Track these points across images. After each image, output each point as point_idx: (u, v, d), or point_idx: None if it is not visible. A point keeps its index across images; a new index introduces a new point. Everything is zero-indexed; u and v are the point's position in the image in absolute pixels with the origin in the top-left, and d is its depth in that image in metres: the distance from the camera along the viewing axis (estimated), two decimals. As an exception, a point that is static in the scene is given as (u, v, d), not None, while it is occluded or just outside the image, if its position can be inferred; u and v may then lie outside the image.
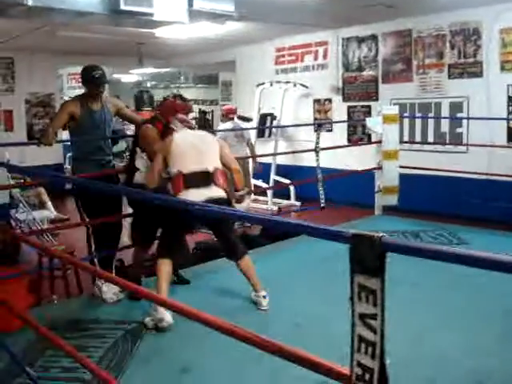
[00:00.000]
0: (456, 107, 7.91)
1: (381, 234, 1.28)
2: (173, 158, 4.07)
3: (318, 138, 6.70)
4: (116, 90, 15.27)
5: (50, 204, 7.72)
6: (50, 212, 7.62)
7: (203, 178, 4.05)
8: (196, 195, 3.83)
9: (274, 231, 6.33)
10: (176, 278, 4.67)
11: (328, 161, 7.13)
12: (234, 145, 7.64)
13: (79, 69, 4.96)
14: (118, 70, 13.95)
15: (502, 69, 7.40)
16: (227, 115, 8.12)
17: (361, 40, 8.96)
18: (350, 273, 1.29)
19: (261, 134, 9.52)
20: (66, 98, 9.59)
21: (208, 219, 4.07)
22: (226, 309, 3.96)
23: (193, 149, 4.13)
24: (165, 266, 3.96)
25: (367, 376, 1.37)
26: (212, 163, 4.14)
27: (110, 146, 4.93)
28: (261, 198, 9.25)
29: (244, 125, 8.48)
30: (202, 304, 3.76)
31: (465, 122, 7.84)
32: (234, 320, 1.80)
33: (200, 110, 16.63)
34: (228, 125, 7.92)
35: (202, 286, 4.71)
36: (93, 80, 4.59)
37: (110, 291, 4.37)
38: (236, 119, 8.22)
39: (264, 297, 4.17)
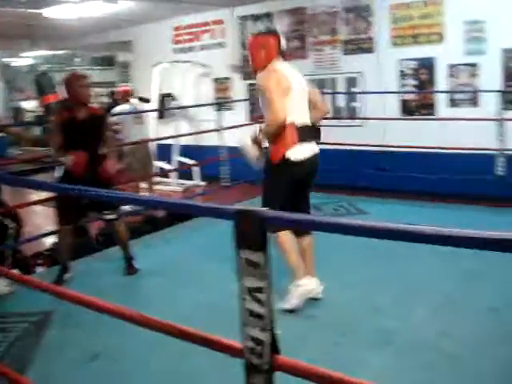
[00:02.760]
0: (351, 82, 8.15)
1: (263, 210, 1.31)
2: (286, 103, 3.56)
3: (220, 117, 6.73)
4: (8, 74, 14.56)
5: None
6: None
7: (311, 130, 3.76)
8: (308, 149, 3.67)
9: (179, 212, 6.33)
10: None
11: (230, 140, 7.14)
12: (133, 127, 7.53)
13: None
14: (8, 53, 13.28)
15: (394, 44, 7.68)
16: (123, 97, 7.94)
17: (256, 18, 8.99)
18: (236, 248, 1.32)
19: (161, 114, 9.40)
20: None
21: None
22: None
23: (301, 93, 3.72)
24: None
25: (259, 348, 1.41)
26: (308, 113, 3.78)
27: None
28: (165, 179, 9.16)
29: (143, 106, 8.33)
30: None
31: (360, 96, 8.09)
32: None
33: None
34: (125, 107, 7.73)
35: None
36: None
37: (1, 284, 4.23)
38: (133, 100, 8.06)
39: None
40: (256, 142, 3.64)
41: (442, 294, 3.83)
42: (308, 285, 3.67)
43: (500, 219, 5.44)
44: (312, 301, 3.75)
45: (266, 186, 3.69)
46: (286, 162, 3.54)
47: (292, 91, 3.56)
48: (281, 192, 3.62)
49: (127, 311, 1.68)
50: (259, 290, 1.33)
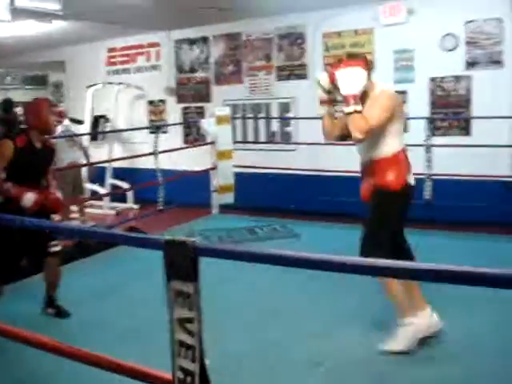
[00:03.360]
0: (284, 107, 8.29)
1: (193, 239, 1.31)
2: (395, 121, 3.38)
3: (156, 140, 6.71)
4: None
5: None
6: None
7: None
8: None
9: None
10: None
11: (165, 162, 7.12)
12: (66, 149, 7.37)
13: None
14: None
15: (325, 71, 7.85)
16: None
17: (192, 42, 9.04)
18: (166, 279, 1.31)
19: (94, 136, 9.26)
20: None
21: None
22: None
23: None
24: None
25: (189, 379, 1.41)
26: None
27: None
28: (97, 202, 8.98)
29: (76, 127, 8.18)
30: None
31: (293, 121, 8.23)
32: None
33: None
34: (57, 128, 7.56)
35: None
36: None
37: None
38: (67, 122, 7.90)
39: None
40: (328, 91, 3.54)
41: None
42: (421, 323, 3.38)
43: (425, 241, 5.65)
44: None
45: (379, 214, 3.44)
46: (405, 187, 3.42)
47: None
48: (396, 218, 3.49)
49: (50, 341, 1.64)
50: (189, 320, 1.33)
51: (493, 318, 3.74)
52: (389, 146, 3.37)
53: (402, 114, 3.53)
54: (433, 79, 7.15)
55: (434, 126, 6.93)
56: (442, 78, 7.11)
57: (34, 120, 3.97)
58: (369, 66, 3.42)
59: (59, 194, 4.13)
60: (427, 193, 6.50)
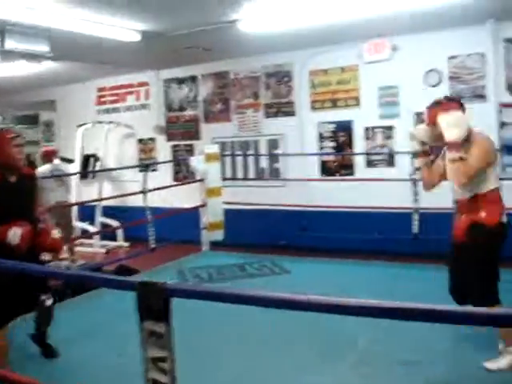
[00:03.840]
0: (273, 144, 8.37)
1: (164, 282, 1.34)
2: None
3: (146, 179, 6.74)
4: None
5: None
6: None
7: None
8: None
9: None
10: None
11: (155, 200, 7.15)
12: (55, 188, 7.38)
13: None
14: None
15: (313, 108, 7.99)
16: (46, 157, 7.80)
17: (181, 81, 9.16)
18: (139, 319, 1.33)
19: (84, 175, 9.30)
20: None
21: None
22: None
23: None
24: None
25: (164, 418, 1.41)
26: None
27: None
28: (87, 241, 8.96)
29: (65, 166, 8.21)
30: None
31: (282, 157, 8.30)
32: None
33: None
34: (47, 167, 7.59)
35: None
36: None
37: None
38: (57, 161, 7.94)
39: None
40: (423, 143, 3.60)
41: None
42: None
43: (412, 274, 5.72)
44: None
45: (483, 253, 3.41)
46: (502, 225, 3.44)
47: None
48: (495, 258, 3.46)
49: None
50: (163, 359, 1.34)
51: None
52: (489, 184, 3.41)
53: (497, 156, 3.61)
54: (418, 114, 7.25)
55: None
56: (427, 112, 7.21)
57: None
58: (465, 109, 3.48)
59: (54, 230, 3.87)
60: (415, 227, 6.54)
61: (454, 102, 3.49)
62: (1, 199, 3.56)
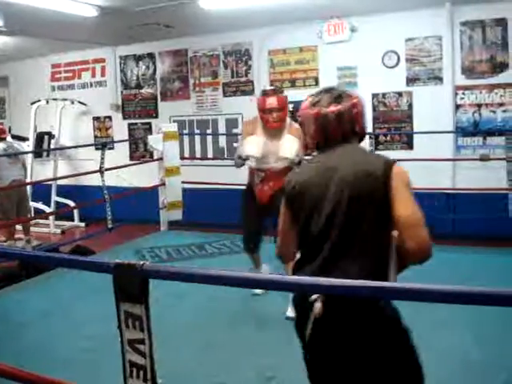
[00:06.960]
0: (232, 123, 8.34)
1: (142, 262, 1.33)
2: None
3: (103, 157, 6.60)
4: None
5: None
6: None
7: None
8: None
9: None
10: None
11: (112, 179, 7.05)
12: (8, 167, 7.21)
13: None
14: None
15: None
16: (-2, 135, 7.58)
17: (138, 58, 9.01)
18: (116, 301, 1.32)
19: (39, 154, 9.09)
20: None
21: None
22: None
23: None
24: None
25: (140, 400, 1.41)
26: None
27: None
28: (42, 221, 8.79)
29: (19, 144, 8.01)
30: None
31: (240, 137, 8.27)
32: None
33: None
34: (0, 145, 7.39)
35: None
36: None
37: None
38: (9, 139, 7.73)
39: None
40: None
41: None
42: None
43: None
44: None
45: None
46: None
47: None
48: None
49: None
50: (141, 341, 1.34)
51: None
52: None
53: None
54: (375, 95, 7.34)
55: (378, 141, 7.13)
56: (384, 93, 7.32)
57: None
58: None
59: None
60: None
61: None
62: None
